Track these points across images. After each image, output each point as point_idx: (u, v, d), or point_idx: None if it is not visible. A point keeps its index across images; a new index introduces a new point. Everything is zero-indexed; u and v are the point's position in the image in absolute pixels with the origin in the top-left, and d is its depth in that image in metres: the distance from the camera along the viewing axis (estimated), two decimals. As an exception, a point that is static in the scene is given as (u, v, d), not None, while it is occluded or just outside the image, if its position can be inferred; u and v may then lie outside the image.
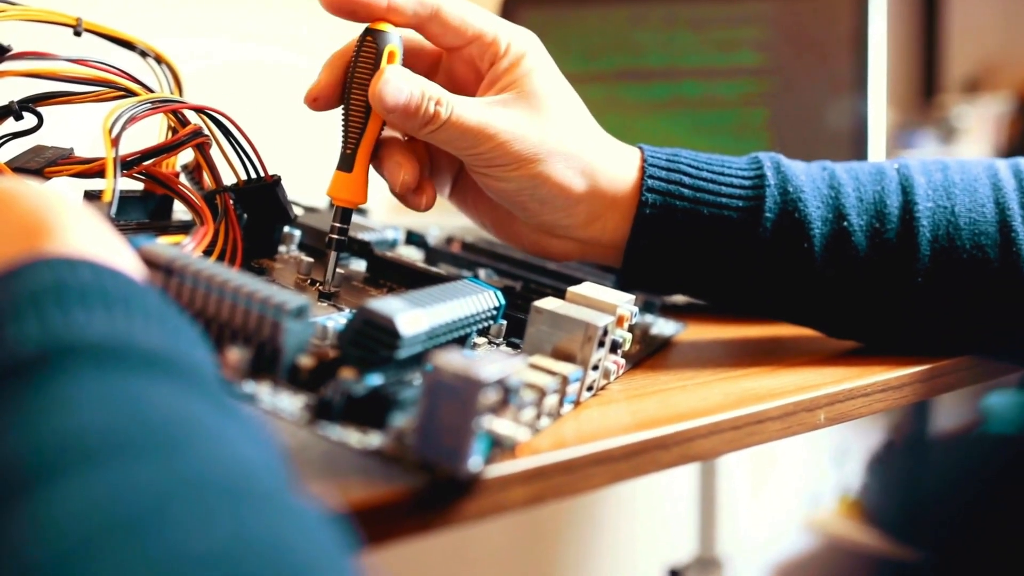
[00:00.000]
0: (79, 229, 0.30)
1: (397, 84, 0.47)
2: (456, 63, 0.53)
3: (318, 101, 0.50)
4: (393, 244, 0.62)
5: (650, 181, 0.52)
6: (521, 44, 0.51)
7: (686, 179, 0.53)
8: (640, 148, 0.54)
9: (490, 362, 0.32)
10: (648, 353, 0.56)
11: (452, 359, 0.31)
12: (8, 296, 0.26)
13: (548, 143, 0.50)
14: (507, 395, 0.33)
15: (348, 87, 0.49)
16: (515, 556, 1.33)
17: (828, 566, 1.78)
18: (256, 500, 0.22)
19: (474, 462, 0.32)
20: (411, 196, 0.52)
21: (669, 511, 1.49)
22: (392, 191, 0.52)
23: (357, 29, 0.49)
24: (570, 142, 0.51)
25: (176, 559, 0.19)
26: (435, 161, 0.55)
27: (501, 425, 0.33)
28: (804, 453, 1.73)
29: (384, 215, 0.83)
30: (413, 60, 0.52)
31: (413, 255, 0.63)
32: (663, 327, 0.62)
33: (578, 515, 1.38)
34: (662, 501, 1.49)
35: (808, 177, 0.54)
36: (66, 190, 0.39)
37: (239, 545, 0.20)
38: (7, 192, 0.31)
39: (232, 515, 0.21)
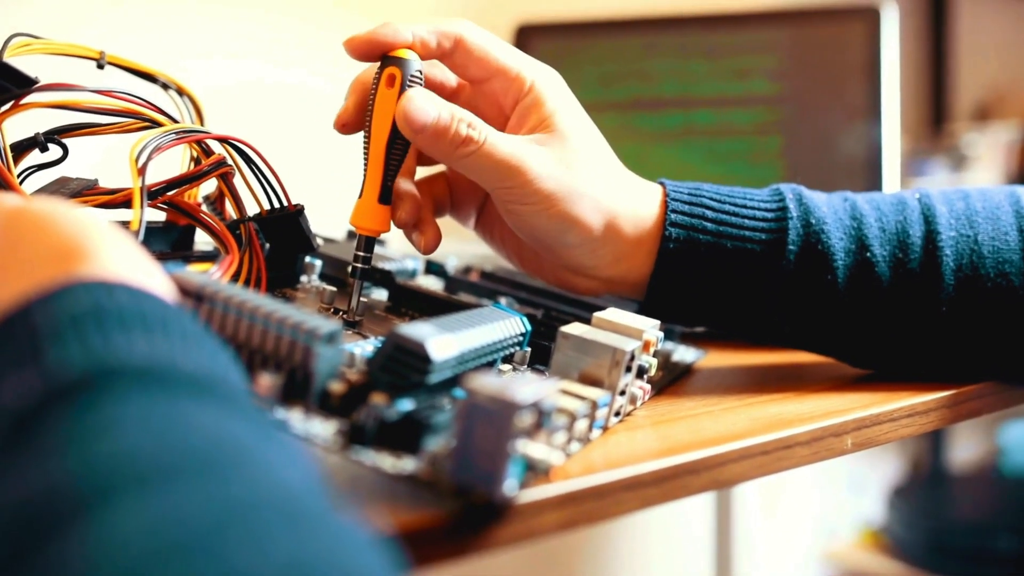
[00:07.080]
0: (114, 252, 0.30)
1: (423, 104, 0.47)
2: (479, 99, 0.52)
3: (347, 126, 0.50)
4: (412, 274, 0.62)
5: (673, 215, 0.52)
6: (545, 82, 0.51)
7: (708, 212, 0.53)
8: (662, 183, 0.54)
9: (523, 384, 0.31)
10: (671, 380, 0.56)
11: (487, 381, 0.31)
12: (47, 319, 0.26)
13: (578, 185, 0.50)
14: (541, 418, 0.33)
15: (368, 114, 0.49)
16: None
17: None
18: (309, 522, 0.21)
19: (509, 485, 0.32)
20: (412, 235, 0.52)
21: (685, 541, 1.47)
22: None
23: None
24: (598, 184, 0.51)
25: None
26: (459, 192, 0.55)
27: (535, 449, 0.33)
28: (819, 484, 1.71)
29: (402, 245, 0.83)
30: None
31: (433, 284, 0.63)
32: (684, 354, 0.62)
33: (595, 544, 1.37)
34: (678, 531, 1.48)
35: (830, 208, 0.54)
36: (99, 214, 0.39)
37: (297, 567, 0.20)
38: (42, 214, 0.31)
39: (288, 537, 0.20)
